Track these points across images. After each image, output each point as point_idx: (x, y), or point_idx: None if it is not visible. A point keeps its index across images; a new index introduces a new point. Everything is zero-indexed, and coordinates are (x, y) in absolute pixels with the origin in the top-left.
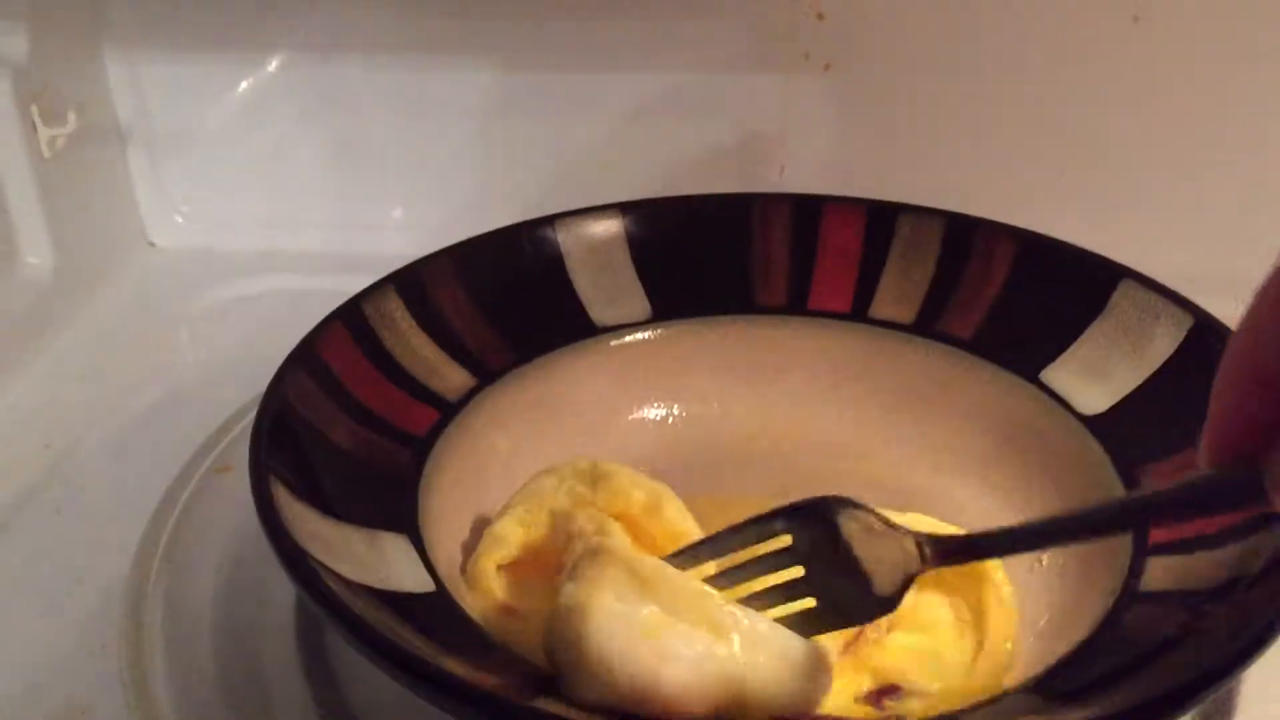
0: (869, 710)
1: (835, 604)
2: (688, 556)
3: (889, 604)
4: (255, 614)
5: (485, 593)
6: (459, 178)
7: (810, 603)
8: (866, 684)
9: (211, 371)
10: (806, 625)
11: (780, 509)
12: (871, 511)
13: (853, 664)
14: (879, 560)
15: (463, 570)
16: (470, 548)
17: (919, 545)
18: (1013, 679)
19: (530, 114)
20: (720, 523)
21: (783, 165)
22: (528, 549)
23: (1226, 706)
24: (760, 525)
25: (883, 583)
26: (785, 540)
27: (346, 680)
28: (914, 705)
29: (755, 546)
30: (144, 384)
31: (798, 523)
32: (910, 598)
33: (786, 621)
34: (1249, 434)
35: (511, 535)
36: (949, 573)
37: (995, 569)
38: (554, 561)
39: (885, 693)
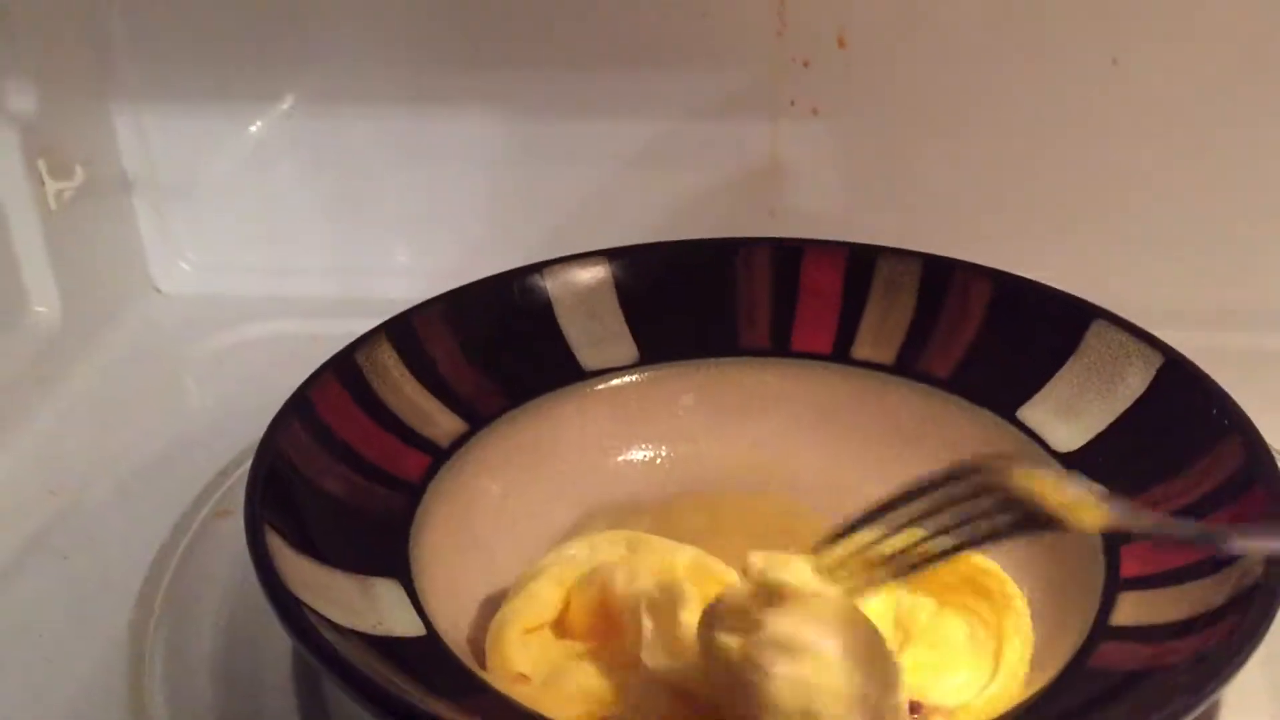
0: None
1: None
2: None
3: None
4: (254, 659)
5: (505, 659)
6: (459, 224)
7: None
8: None
9: (216, 416)
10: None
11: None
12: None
13: None
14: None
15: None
16: (462, 590)
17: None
18: None
19: (528, 162)
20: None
21: (772, 208)
22: (554, 612)
23: None
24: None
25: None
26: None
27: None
28: None
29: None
30: (149, 429)
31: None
32: (929, 614)
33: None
34: None
35: (549, 598)
36: (971, 597)
37: (1018, 598)
38: (581, 624)
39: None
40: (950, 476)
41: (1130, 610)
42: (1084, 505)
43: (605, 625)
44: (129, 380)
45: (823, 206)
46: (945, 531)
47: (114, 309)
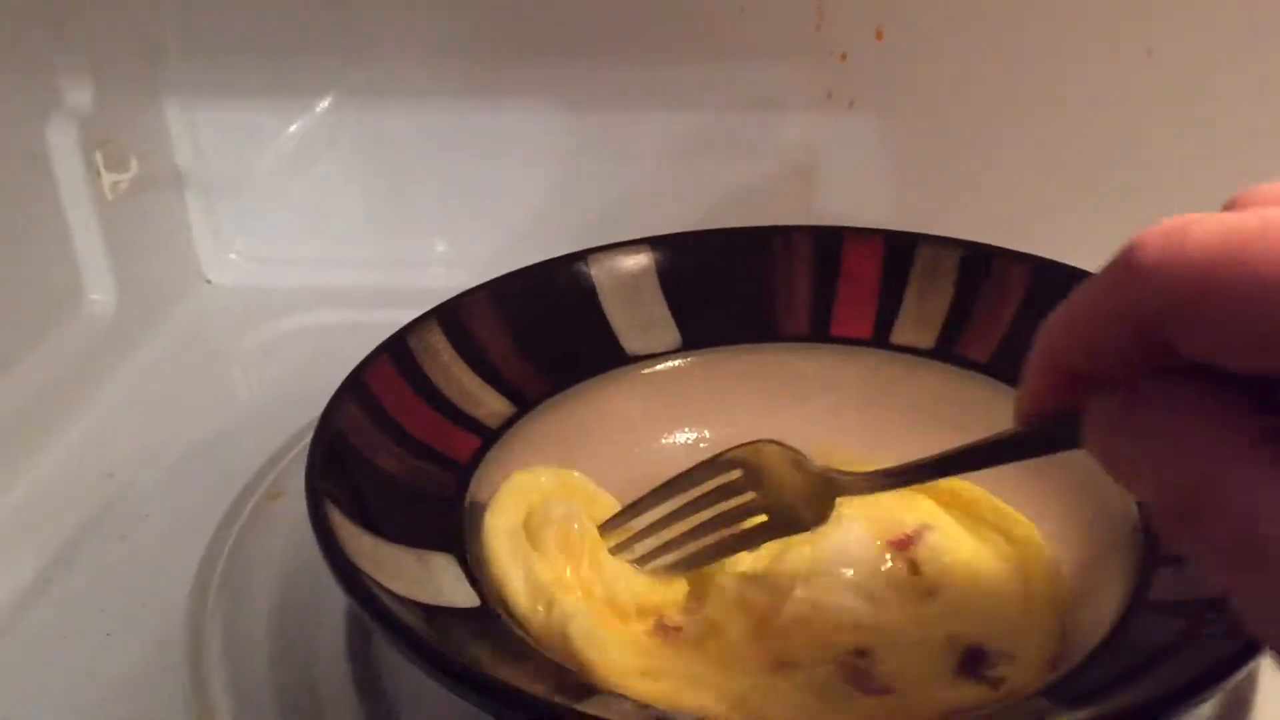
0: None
1: (781, 520)
2: (651, 498)
3: (819, 519)
4: (308, 635)
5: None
6: (501, 215)
7: (763, 518)
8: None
9: (265, 402)
10: (759, 537)
11: (726, 451)
12: (795, 452)
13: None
14: (805, 486)
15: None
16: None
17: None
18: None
19: (567, 154)
20: None
21: (810, 199)
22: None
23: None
24: (711, 466)
25: (814, 505)
26: (736, 474)
27: (396, 696)
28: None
29: (710, 482)
30: (202, 415)
31: (742, 459)
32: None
33: (743, 535)
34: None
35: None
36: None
37: (1033, 533)
38: None
39: (976, 658)
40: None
41: (1168, 585)
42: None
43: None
44: (181, 368)
45: (860, 197)
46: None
47: (166, 299)
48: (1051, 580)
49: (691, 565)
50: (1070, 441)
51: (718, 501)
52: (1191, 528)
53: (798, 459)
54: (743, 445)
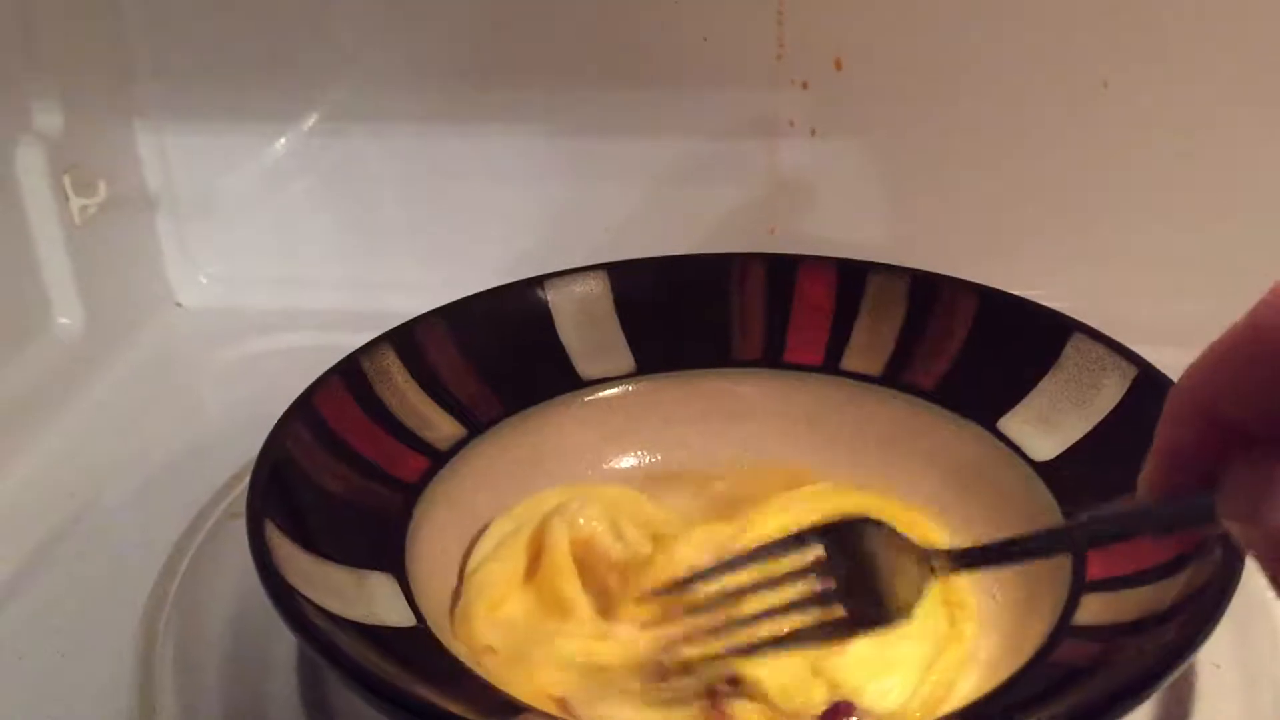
0: None
1: (861, 613)
2: (725, 568)
3: (906, 611)
4: (261, 654)
5: (471, 635)
6: (471, 239)
7: (840, 611)
8: (822, 699)
9: (230, 424)
10: (834, 633)
11: (814, 525)
12: (892, 529)
13: (811, 672)
14: (900, 572)
15: (452, 614)
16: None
17: (932, 558)
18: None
19: (534, 180)
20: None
21: (772, 226)
22: (510, 585)
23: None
24: (796, 540)
25: (904, 592)
26: (819, 551)
27: (343, 715)
28: None
29: (789, 558)
30: (166, 436)
31: (830, 537)
32: None
33: (816, 630)
34: (1187, 468)
35: (496, 578)
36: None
37: (969, 606)
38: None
39: (840, 712)
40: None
41: (1094, 610)
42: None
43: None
44: (148, 390)
45: (821, 224)
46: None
47: (135, 321)
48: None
49: (740, 655)
50: (1205, 517)
51: (792, 581)
52: None
53: (892, 539)
54: (836, 519)
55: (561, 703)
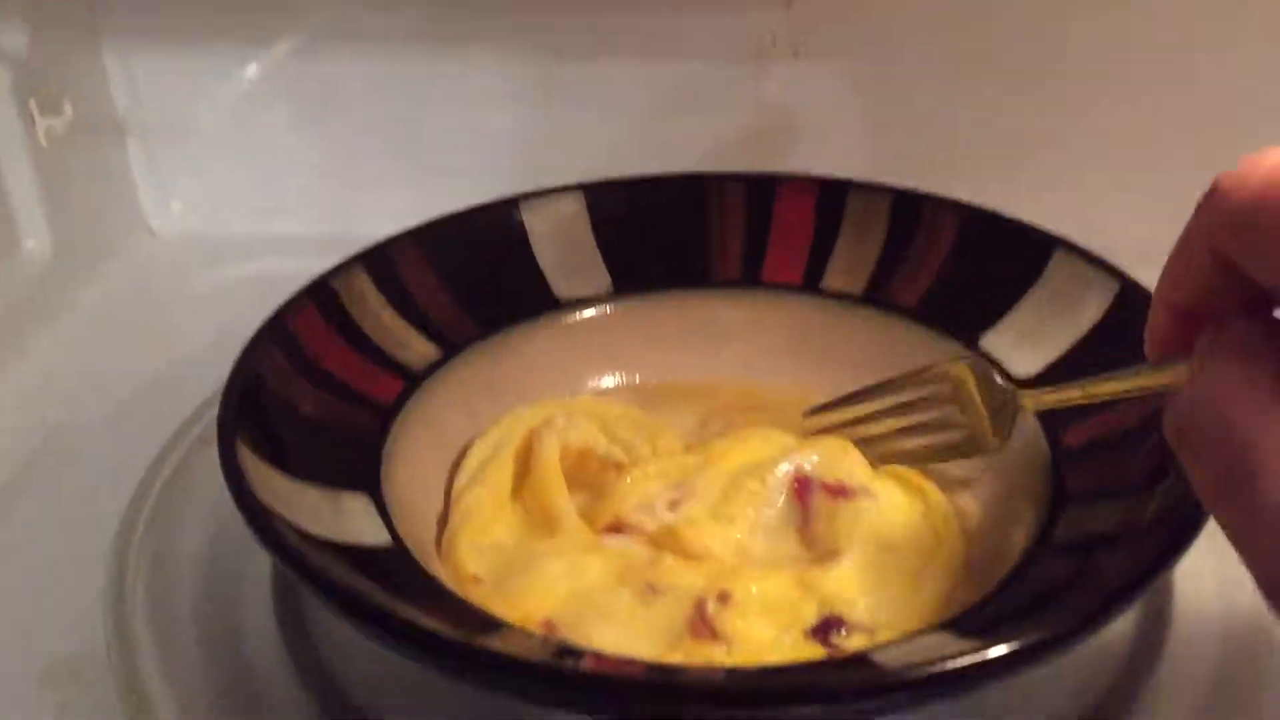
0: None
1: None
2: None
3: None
4: (235, 575)
5: (457, 565)
6: (451, 165)
7: (954, 435)
8: (813, 615)
9: (204, 350)
10: (945, 453)
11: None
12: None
13: (801, 587)
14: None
15: (438, 544)
16: (431, 506)
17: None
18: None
19: (514, 105)
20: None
21: (756, 148)
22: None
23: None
24: (907, 378)
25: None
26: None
27: (320, 636)
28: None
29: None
30: (139, 362)
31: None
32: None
33: (927, 448)
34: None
35: (481, 502)
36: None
37: (952, 523)
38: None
39: (831, 625)
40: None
41: (1071, 524)
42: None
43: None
44: (121, 315)
45: (804, 146)
46: (916, 430)
47: (106, 247)
48: (948, 565)
49: (881, 461)
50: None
51: (921, 409)
52: (1230, 499)
53: (988, 377)
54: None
55: (548, 624)
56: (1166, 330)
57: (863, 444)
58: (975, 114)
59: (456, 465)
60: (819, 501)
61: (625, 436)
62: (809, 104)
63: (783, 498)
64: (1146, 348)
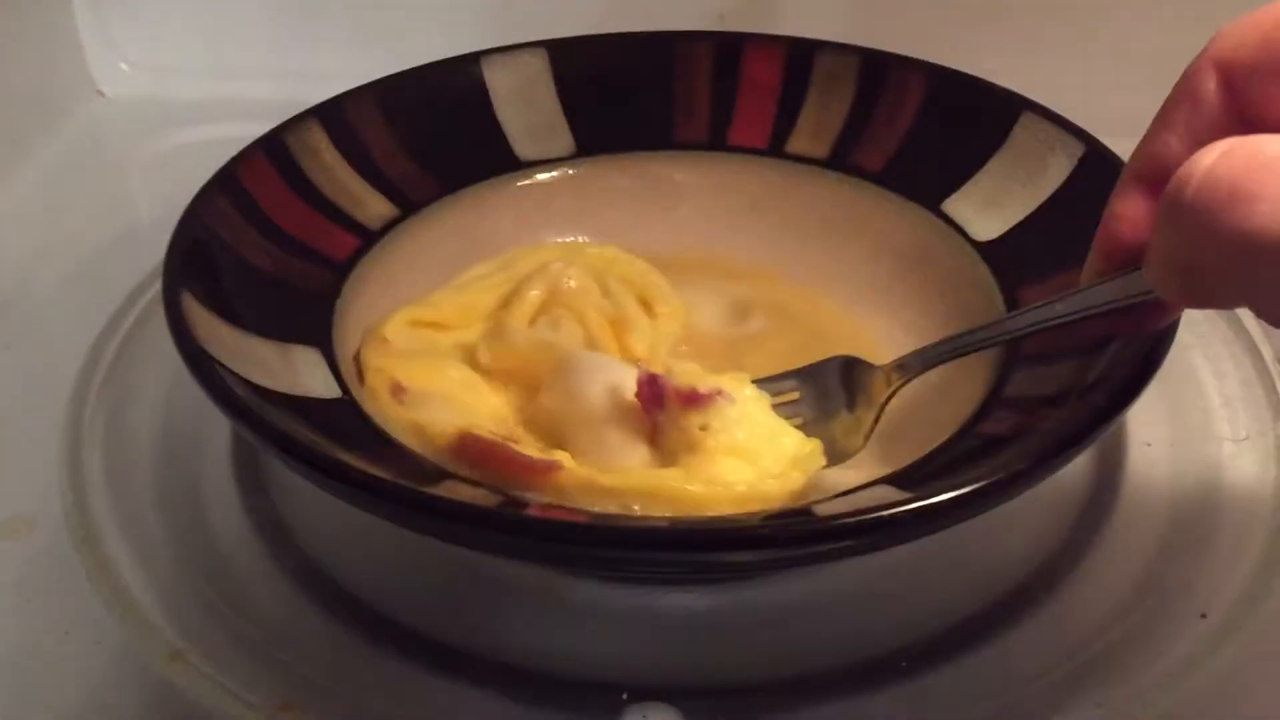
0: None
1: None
2: None
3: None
4: (192, 432)
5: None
6: (406, 25)
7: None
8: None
9: (158, 214)
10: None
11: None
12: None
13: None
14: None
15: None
16: None
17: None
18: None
19: None
20: None
21: (721, 12)
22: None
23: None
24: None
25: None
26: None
27: (276, 491)
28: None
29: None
30: (91, 227)
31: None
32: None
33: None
34: (1125, 250)
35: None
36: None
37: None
38: None
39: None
40: None
41: (1021, 384)
42: None
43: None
44: (70, 180)
45: (771, 8)
46: None
47: (55, 110)
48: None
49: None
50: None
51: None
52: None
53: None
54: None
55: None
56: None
57: None
58: None
59: None
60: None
61: (616, 291)
62: None
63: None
64: (1098, 255)
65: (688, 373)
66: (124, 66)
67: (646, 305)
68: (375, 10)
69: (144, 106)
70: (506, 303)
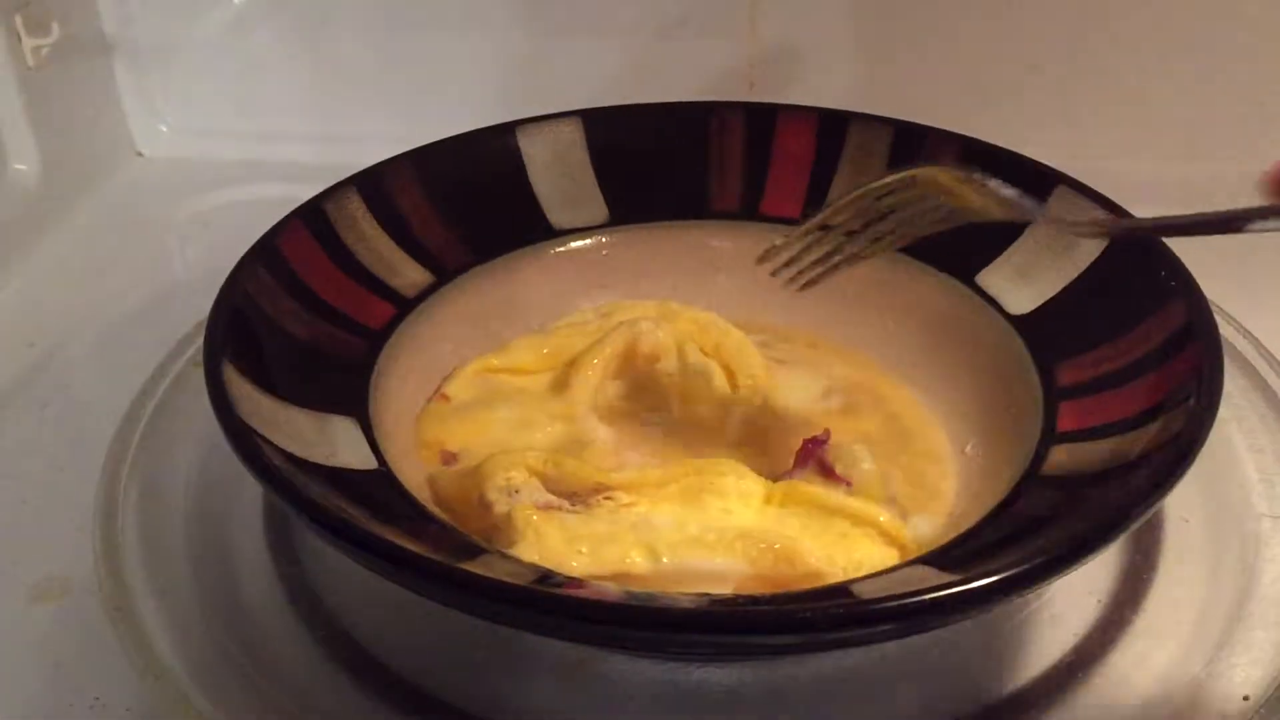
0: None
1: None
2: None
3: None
4: (225, 497)
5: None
6: (440, 91)
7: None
8: None
9: (193, 275)
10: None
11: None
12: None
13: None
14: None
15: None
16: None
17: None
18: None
19: (515, 26)
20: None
21: (752, 81)
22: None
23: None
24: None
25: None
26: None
27: (308, 558)
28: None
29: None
30: (128, 287)
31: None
32: None
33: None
34: None
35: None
36: None
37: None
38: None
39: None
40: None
41: (1062, 459)
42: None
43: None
44: (109, 240)
45: (801, 78)
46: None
47: (94, 170)
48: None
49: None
50: None
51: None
52: None
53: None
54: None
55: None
56: None
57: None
58: (973, 47)
59: None
60: None
61: (695, 359)
62: (806, 33)
63: None
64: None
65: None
66: (163, 129)
67: (730, 374)
68: (408, 74)
69: (182, 168)
70: (583, 354)
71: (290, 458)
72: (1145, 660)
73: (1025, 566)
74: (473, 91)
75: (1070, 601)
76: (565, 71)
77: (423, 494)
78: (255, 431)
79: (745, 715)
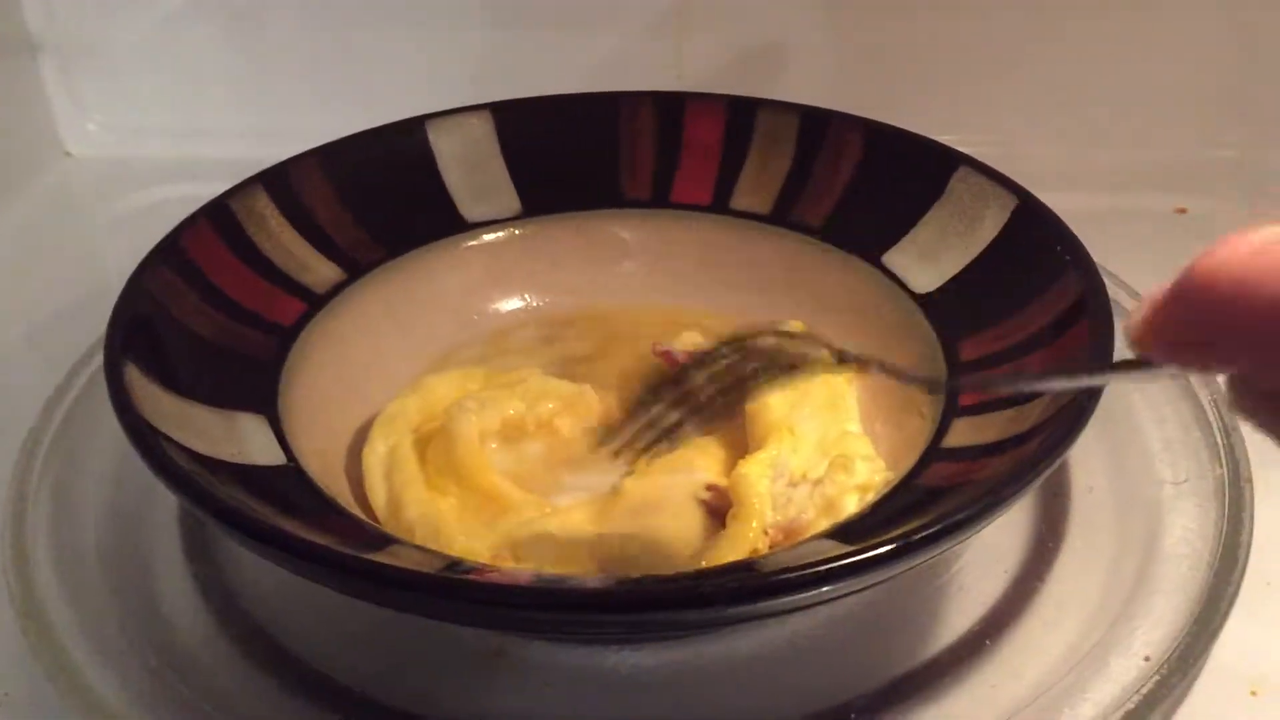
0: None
1: None
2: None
3: None
4: (139, 498)
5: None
6: (373, 86)
7: None
8: None
9: (122, 275)
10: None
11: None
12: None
13: None
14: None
15: None
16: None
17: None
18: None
19: (444, 22)
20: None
21: (678, 72)
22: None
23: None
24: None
25: None
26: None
27: (223, 557)
28: None
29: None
30: (55, 288)
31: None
32: None
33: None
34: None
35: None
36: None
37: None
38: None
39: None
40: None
41: (962, 432)
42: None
43: None
44: (37, 241)
45: (727, 67)
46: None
47: (22, 170)
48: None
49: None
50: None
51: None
52: None
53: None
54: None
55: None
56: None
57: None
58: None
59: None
60: None
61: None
62: (731, 22)
63: None
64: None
65: None
66: (91, 127)
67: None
68: (341, 70)
69: (111, 167)
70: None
71: (195, 456)
72: (1052, 628)
73: (921, 534)
74: (409, 87)
75: (980, 573)
76: (501, 63)
77: (336, 488)
78: (157, 430)
79: (660, 695)
